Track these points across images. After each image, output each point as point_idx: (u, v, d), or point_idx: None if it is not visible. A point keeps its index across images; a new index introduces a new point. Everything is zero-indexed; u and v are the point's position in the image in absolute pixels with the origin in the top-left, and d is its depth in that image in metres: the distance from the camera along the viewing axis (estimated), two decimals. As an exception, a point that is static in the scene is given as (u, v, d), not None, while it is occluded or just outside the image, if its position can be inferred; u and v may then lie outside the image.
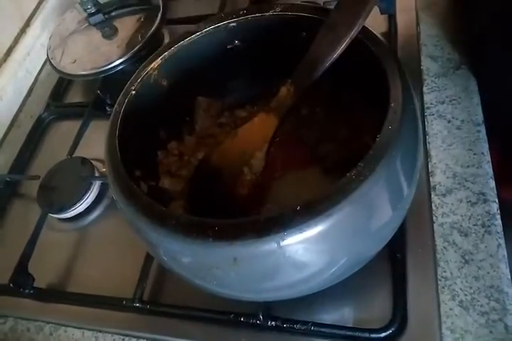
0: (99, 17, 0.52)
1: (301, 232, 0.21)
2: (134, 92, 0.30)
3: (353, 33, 0.27)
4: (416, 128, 0.25)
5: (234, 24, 0.32)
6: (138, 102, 0.30)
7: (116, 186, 0.25)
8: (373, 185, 0.21)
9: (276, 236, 0.20)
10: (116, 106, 0.29)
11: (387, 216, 0.24)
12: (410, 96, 0.25)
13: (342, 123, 0.33)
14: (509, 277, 0.29)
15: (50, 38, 0.55)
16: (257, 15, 0.31)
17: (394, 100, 0.23)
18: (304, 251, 0.22)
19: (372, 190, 0.21)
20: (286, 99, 0.30)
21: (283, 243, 0.21)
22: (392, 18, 0.46)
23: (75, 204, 0.40)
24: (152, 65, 0.31)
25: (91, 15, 0.52)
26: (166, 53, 0.32)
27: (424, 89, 0.39)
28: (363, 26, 0.27)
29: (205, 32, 0.32)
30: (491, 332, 0.28)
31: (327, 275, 0.25)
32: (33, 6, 0.61)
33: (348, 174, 0.21)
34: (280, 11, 0.31)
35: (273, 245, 0.21)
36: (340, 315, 0.31)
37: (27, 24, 0.59)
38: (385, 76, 0.24)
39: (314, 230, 0.21)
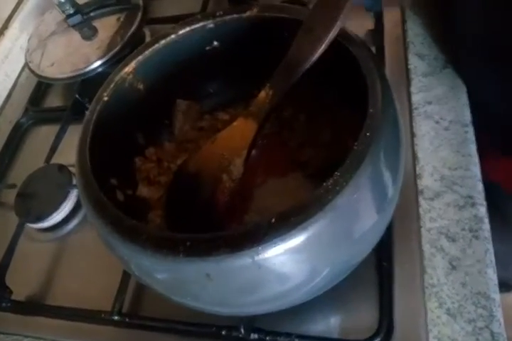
0: (78, 18, 0.50)
1: (276, 246, 0.20)
2: (106, 99, 0.29)
3: (331, 35, 0.25)
4: (396, 133, 0.24)
5: (212, 25, 0.31)
6: (112, 108, 0.29)
7: (85, 198, 0.24)
8: (351, 195, 0.20)
9: (251, 251, 0.19)
10: (87, 114, 0.28)
11: (368, 225, 0.23)
12: (390, 100, 0.24)
13: (325, 127, 0.32)
14: (496, 283, 0.29)
15: (28, 40, 0.53)
16: (235, 16, 0.30)
17: (372, 106, 0.22)
18: (281, 265, 0.21)
19: (350, 200, 0.20)
20: (265, 103, 0.29)
21: (258, 257, 0.20)
22: (378, 16, 0.45)
23: (52, 213, 0.39)
24: (126, 69, 0.30)
25: (69, 16, 0.50)
26: (140, 57, 0.30)
27: (412, 88, 0.38)
28: (342, 27, 0.26)
29: (182, 34, 0.31)
30: (477, 339, 0.27)
31: (309, 288, 0.24)
32: (11, 7, 0.59)
33: (324, 184, 0.20)
34: (257, 12, 0.30)
35: (248, 260, 0.20)
36: (325, 325, 0.30)
37: (5, 26, 0.57)
38: (365, 80, 0.23)
39: (290, 243, 0.20)
